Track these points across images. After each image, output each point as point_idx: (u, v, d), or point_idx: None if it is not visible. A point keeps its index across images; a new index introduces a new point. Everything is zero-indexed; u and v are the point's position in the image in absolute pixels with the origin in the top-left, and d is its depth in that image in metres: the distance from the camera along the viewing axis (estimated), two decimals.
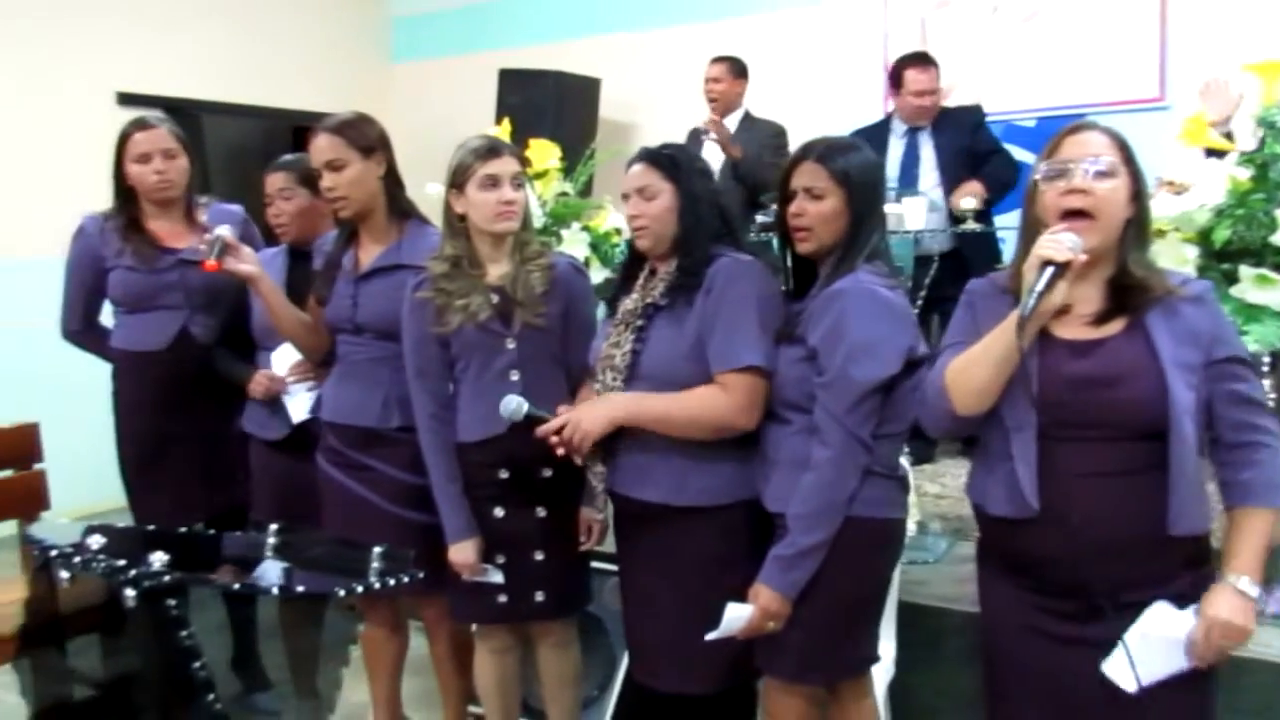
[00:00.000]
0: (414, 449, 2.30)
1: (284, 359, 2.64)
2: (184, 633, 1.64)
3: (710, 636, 1.95)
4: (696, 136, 4.79)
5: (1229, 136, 2.67)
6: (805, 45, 5.39)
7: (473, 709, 2.64)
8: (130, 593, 1.57)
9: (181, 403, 2.76)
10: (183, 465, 2.78)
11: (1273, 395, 2.40)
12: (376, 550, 1.79)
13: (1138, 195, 1.68)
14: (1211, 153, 2.61)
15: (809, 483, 1.89)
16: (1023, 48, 4.96)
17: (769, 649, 2.00)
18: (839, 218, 1.96)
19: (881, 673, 2.40)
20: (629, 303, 2.13)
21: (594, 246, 3.23)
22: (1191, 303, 1.67)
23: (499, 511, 2.26)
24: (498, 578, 2.27)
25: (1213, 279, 2.14)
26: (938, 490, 3.83)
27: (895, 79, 4.20)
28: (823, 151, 1.98)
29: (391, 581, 1.70)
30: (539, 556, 2.27)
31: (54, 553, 1.71)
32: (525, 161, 2.34)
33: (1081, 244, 1.60)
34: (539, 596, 2.29)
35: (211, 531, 1.92)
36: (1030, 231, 1.70)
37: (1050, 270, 1.59)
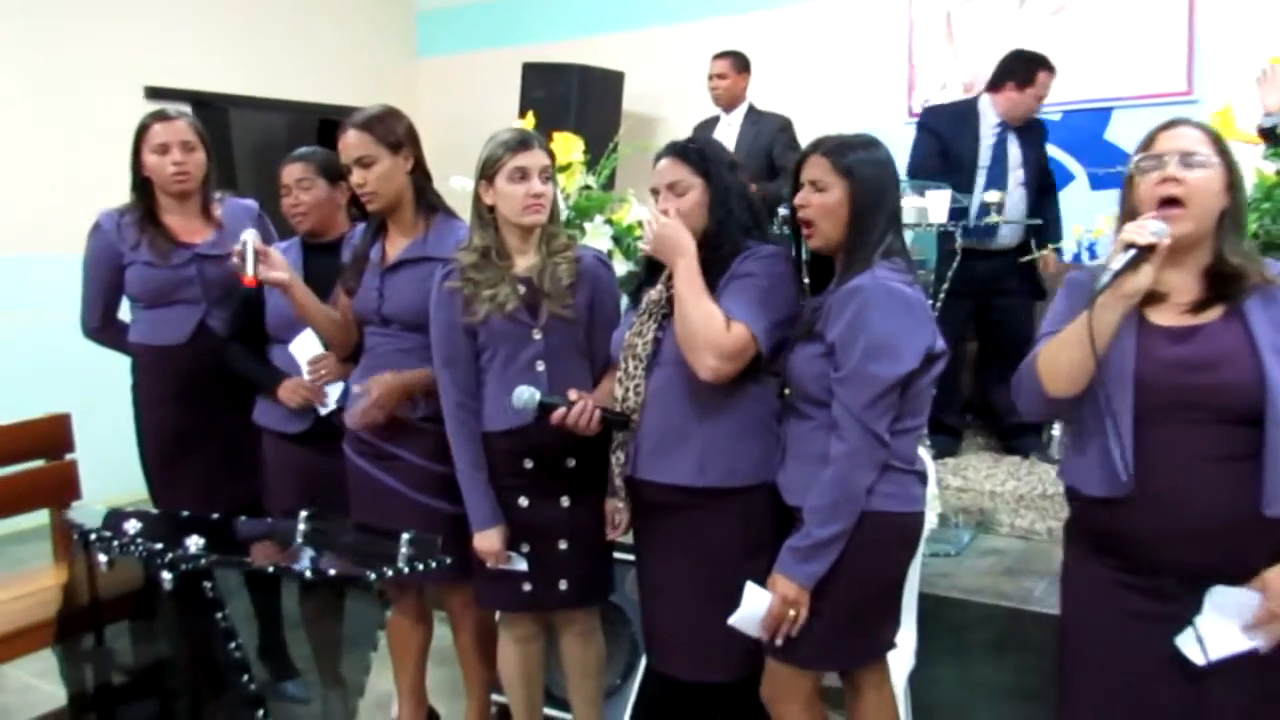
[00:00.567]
0: (440, 439, 2.32)
1: (303, 349, 2.63)
2: (220, 614, 1.67)
3: (732, 620, 1.96)
4: (705, 127, 4.85)
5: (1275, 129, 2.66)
6: (830, 38, 5.37)
7: (496, 698, 2.67)
8: (168, 575, 1.61)
9: (202, 396, 2.77)
10: (204, 459, 2.80)
11: None
12: (405, 537, 1.82)
13: (1232, 186, 1.73)
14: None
15: (826, 476, 1.91)
16: (1050, 41, 4.93)
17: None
18: (841, 210, 1.96)
19: (902, 663, 2.41)
20: (654, 293, 2.15)
21: (617, 240, 3.24)
22: None
23: (524, 501, 2.28)
24: (522, 566, 2.29)
25: None
26: (960, 484, 3.83)
27: (1020, 75, 4.05)
28: (831, 146, 2.00)
29: (420, 566, 1.72)
30: (563, 546, 2.29)
31: (93, 536, 1.74)
32: (554, 155, 2.36)
33: (1168, 230, 1.65)
34: (563, 585, 2.31)
35: (244, 518, 1.95)
36: (1127, 220, 1.76)
37: (1131, 252, 1.64)
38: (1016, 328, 4.13)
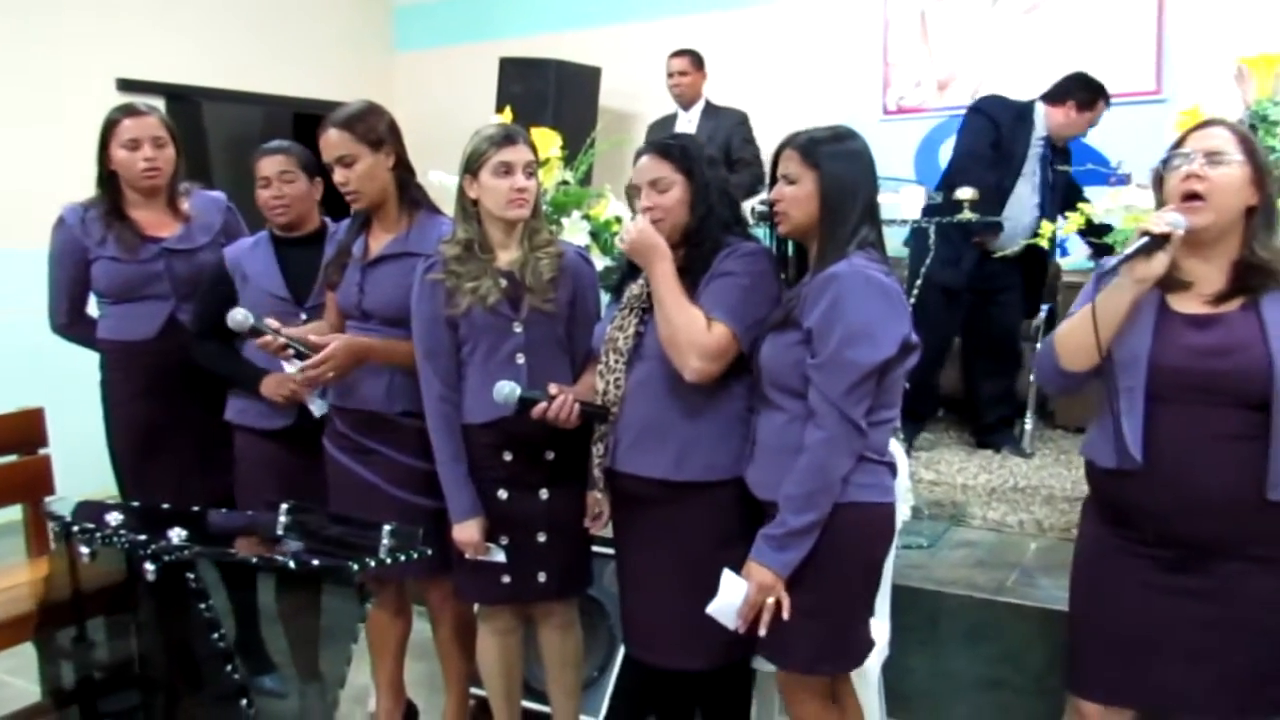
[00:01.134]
0: (419, 434, 2.33)
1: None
2: (203, 605, 1.67)
3: (709, 609, 1.98)
4: (663, 125, 4.94)
5: (1253, 128, 2.71)
6: (805, 35, 5.41)
7: (475, 691, 2.68)
8: (151, 567, 1.61)
9: (172, 391, 2.75)
10: (175, 454, 2.78)
11: None
12: (386, 528, 1.82)
13: (1262, 183, 1.81)
14: None
15: (802, 464, 1.91)
16: (1021, 39, 5.00)
17: (779, 643, 2.00)
18: (810, 201, 1.98)
19: (876, 654, 2.43)
20: (635, 288, 2.17)
21: (594, 235, 3.26)
22: None
23: (503, 493, 2.29)
24: (500, 557, 2.30)
25: None
26: (933, 477, 3.88)
27: (1083, 98, 4.01)
28: (802, 140, 2.02)
29: (402, 557, 1.73)
30: (542, 538, 2.30)
31: (75, 528, 1.73)
32: (537, 151, 2.37)
33: (1185, 222, 1.77)
34: (541, 577, 2.32)
35: (224, 510, 1.95)
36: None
37: (1145, 239, 1.76)
38: (1009, 327, 4.18)
